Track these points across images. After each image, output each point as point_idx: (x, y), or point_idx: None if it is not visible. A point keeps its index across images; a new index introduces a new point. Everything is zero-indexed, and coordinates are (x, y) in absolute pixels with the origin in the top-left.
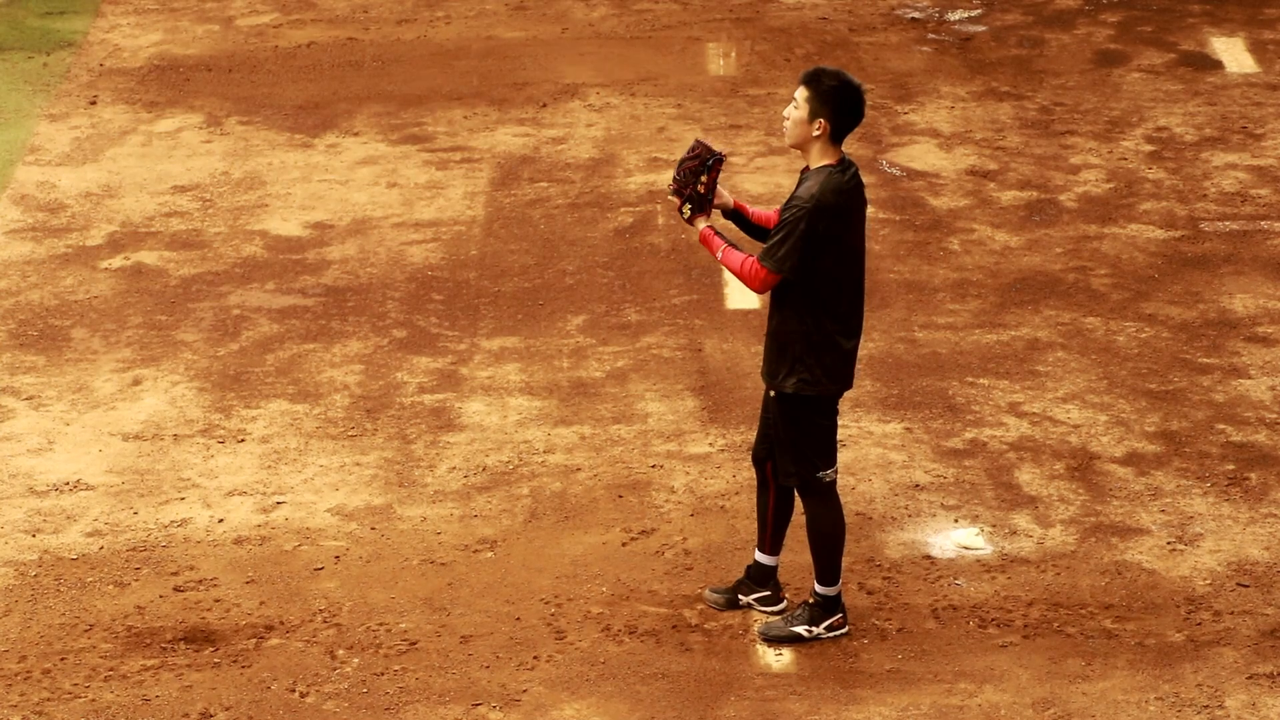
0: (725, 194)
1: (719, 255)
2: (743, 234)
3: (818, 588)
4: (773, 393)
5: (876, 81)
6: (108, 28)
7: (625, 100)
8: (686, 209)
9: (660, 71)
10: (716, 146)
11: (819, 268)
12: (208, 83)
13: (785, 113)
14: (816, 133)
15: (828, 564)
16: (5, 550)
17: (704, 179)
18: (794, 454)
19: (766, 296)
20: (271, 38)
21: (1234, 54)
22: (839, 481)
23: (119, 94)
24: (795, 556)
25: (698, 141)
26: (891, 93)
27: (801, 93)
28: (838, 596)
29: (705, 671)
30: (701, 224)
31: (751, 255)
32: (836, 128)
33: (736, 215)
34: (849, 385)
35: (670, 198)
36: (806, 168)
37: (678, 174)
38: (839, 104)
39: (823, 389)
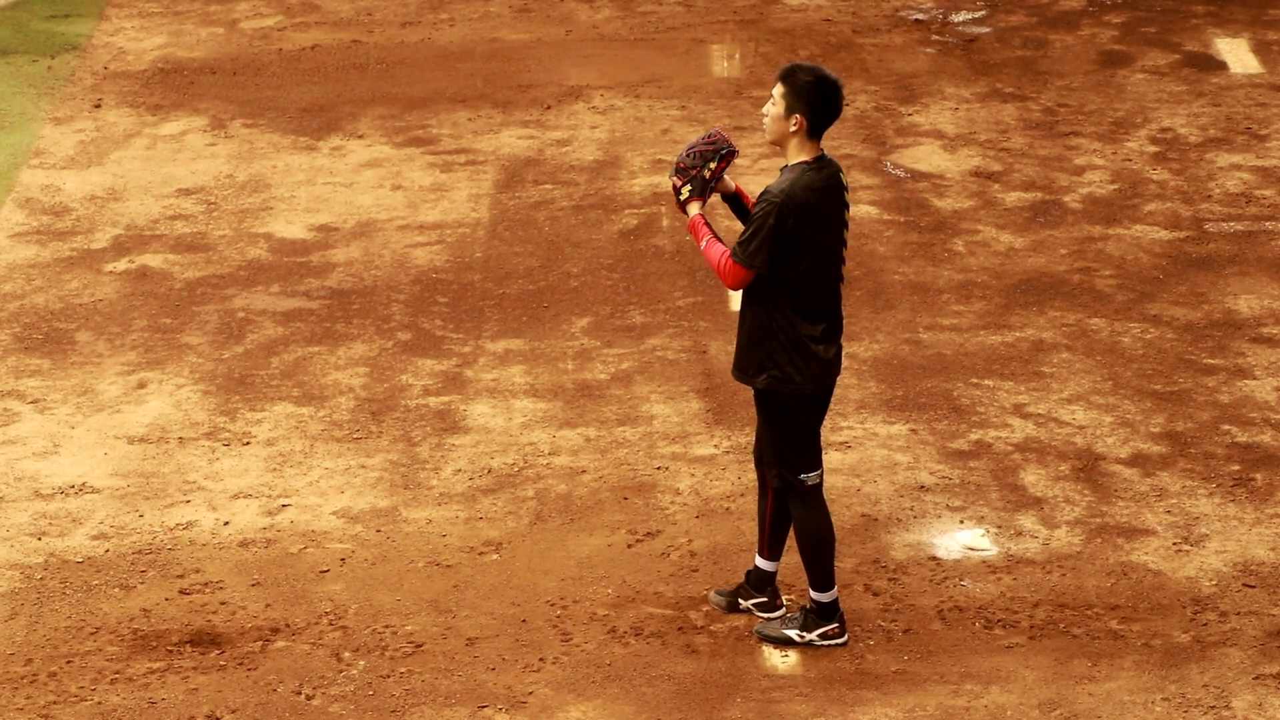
0: (728, 180)
1: (703, 245)
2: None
3: (812, 593)
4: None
5: (880, 83)
6: (112, 31)
7: (629, 102)
8: (686, 190)
9: (664, 73)
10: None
11: (791, 264)
12: (212, 85)
13: (764, 109)
14: (793, 128)
15: (818, 569)
16: (11, 553)
17: (713, 165)
18: (775, 453)
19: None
20: (276, 40)
21: (1238, 55)
22: (841, 484)
23: (123, 97)
24: (798, 558)
25: (717, 130)
26: (895, 94)
27: (778, 89)
28: (834, 604)
29: (711, 673)
30: (695, 209)
31: (729, 250)
32: (813, 123)
33: (735, 199)
34: (825, 385)
35: (672, 177)
36: (785, 165)
37: (687, 154)
38: (815, 99)
39: (794, 386)
